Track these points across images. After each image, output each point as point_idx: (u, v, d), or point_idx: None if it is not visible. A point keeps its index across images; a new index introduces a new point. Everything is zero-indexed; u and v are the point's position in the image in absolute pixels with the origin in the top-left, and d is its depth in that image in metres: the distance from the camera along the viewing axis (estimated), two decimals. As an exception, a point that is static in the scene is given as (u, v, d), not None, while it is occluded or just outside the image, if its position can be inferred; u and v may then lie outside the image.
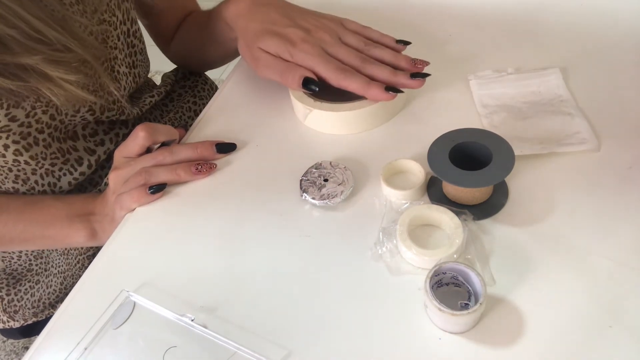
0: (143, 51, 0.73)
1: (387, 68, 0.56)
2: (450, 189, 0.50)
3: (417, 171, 0.52)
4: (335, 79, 0.55)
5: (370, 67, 0.56)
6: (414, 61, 0.58)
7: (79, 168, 0.66)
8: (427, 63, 0.58)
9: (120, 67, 0.67)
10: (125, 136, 0.71)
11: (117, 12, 0.65)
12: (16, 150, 0.60)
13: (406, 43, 0.60)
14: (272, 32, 0.59)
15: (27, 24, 0.51)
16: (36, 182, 0.65)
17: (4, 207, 0.64)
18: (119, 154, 0.61)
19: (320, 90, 0.57)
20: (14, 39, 0.50)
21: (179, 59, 0.84)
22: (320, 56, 0.56)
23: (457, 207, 0.48)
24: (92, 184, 0.70)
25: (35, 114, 0.59)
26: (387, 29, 0.62)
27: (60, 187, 0.67)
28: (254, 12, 0.61)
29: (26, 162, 0.62)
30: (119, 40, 0.66)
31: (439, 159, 0.49)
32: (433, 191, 0.52)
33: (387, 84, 0.56)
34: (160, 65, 0.90)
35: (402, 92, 0.56)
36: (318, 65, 0.56)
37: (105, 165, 0.70)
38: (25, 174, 0.63)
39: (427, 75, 0.57)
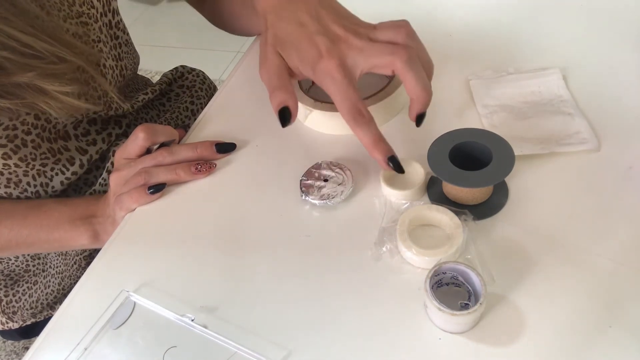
0: (128, 43, 0.73)
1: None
2: (450, 189, 0.50)
3: (417, 171, 0.52)
4: (347, 120, 0.51)
5: None
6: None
7: (70, 168, 0.66)
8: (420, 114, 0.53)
9: (106, 60, 0.66)
10: (119, 136, 0.71)
11: (95, 4, 0.64)
12: (4, 154, 0.59)
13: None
14: (296, 41, 0.52)
15: (18, 42, 0.50)
16: (28, 183, 0.64)
17: (8, 213, 0.64)
18: (119, 156, 0.61)
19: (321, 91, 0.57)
20: (8, 59, 0.50)
21: (214, 21, 0.83)
22: (341, 85, 0.50)
23: (457, 207, 0.48)
24: (88, 184, 0.70)
25: (19, 116, 0.58)
26: (387, 29, 0.62)
27: (53, 187, 0.66)
28: (283, 9, 0.55)
29: (16, 165, 0.61)
30: (101, 32, 0.65)
31: (439, 159, 0.49)
32: (433, 191, 0.52)
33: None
34: (160, 65, 0.91)
35: (402, 172, 0.51)
36: (335, 94, 0.51)
37: (100, 165, 0.70)
38: (17, 176, 0.63)
39: (421, 121, 0.53)
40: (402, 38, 0.52)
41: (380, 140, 0.50)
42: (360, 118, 0.50)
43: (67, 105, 0.56)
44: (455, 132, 0.51)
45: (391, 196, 0.52)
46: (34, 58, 0.51)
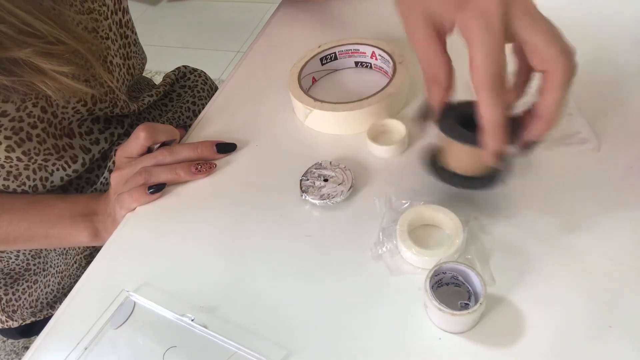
0: (137, 42, 0.73)
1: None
2: (453, 158, 0.47)
3: (399, 128, 0.56)
4: (481, 84, 0.40)
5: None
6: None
7: (72, 165, 0.66)
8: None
9: (114, 58, 0.67)
10: (121, 136, 0.71)
11: (107, 1, 0.64)
12: (8, 146, 0.59)
13: None
14: None
15: (17, 18, 0.50)
16: (28, 177, 0.64)
17: (8, 207, 0.64)
18: (121, 154, 0.61)
19: (321, 92, 0.57)
20: (5, 34, 0.50)
21: None
22: (495, 38, 0.38)
23: (458, 180, 0.46)
24: (90, 183, 0.70)
25: (26, 107, 0.58)
26: (386, 29, 0.62)
27: (52, 182, 0.66)
28: None
29: (18, 159, 0.61)
30: (110, 30, 0.65)
31: (448, 121, 0.46)
32: (433, 167, 0.49)
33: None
34: (160, 65, 0.90)
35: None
36: (481, 47, 0.39)
37: (101, 164, 0.70)
38: (17, 169, 0.63)
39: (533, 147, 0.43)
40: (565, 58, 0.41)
41: (502, 126, 0.40)
42: (500, 90, 0.39)
43: (65, 86, 0.56)
44: (464, 104, 0.47)
45: (375, 151, 0.56)
46: (32, 36, 0.51)
